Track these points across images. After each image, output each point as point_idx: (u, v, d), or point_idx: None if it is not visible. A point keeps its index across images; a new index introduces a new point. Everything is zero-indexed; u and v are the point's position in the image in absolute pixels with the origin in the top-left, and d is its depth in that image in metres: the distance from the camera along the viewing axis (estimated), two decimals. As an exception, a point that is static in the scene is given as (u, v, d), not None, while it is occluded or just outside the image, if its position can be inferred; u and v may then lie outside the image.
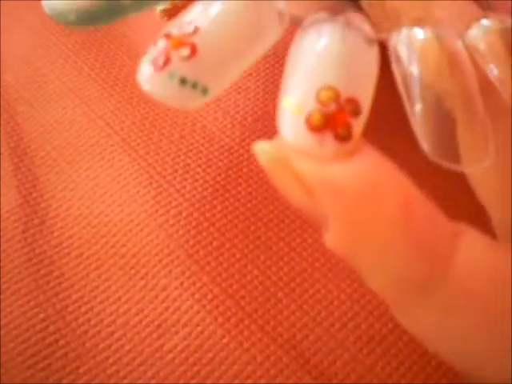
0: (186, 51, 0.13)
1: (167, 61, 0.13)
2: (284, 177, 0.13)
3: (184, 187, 0.24)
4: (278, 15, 0.14)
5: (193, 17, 0.13)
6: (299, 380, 0.20)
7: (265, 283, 0.22)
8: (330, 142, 0.13)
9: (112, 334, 0.21)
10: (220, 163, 0.25)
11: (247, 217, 0.24)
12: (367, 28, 0.14)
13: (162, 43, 0.13)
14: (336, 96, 0.12)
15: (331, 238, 0.13)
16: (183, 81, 0.13)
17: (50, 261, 0.22)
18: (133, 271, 0.22)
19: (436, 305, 0.13)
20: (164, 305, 0.21)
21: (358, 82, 0.13)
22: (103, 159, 0.25)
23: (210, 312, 0.21)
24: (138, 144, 0.26)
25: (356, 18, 0.14)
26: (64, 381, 0.20)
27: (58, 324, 0.21)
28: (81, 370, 0.20)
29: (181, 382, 0.20)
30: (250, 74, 0.28)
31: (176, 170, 0.25)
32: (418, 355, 0.20)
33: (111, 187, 0.24)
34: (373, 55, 0.13)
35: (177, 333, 0.21)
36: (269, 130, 0.26)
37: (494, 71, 0.14)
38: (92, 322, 0.21)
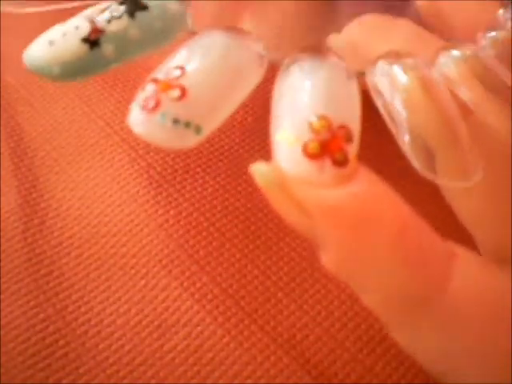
0: (176, 92, 0.13)
1: (158, 103, 0.13)
2: (281, 199, 0.14)
3: (184, 187, 0.24)
4: (258, 58, 0.14)
5: (177, 62, 0.14)
6: (299, 380, 0.20)
7: (265, 283, 0.22)
8: (328, 168, 0.13)
9: (112, 334, 0.21)
10: (220, 163, 0.25)
11: (247, 217, 0.24)
12: (344, 64, 0.14)
13: (150, 87, 0.13)
14: (328, 124, 0.13)
15: (328, 259, 0.14)
16: (176, 121, 0.13)
17: (50, 261, 0.22)
18: (133, 271, 0.22)
19: (431, 325, 0.13)
20: (164, 305, 0.21)
21: (345, 111, 0.13)
22: (103, 159, 0.25)
23: (210, 312, 0.21)
24: (138, 144, 0.26)
25: (333, 56, 0.14)
26: (64, 381, 0.20)
27: (58, 324, 0.21)
28: (81, 370, 0.20)
29: (181, 382, 0.20)
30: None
31: (176, 170, 0.25)
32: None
33: (111, 187, 0.24)
34: (354, 87, 0.14)
35: (177, 333, 0.21)
36: (269, 130, 0.26)
37: (466, 95, 0.14)
38: (92, 322, 0.21)
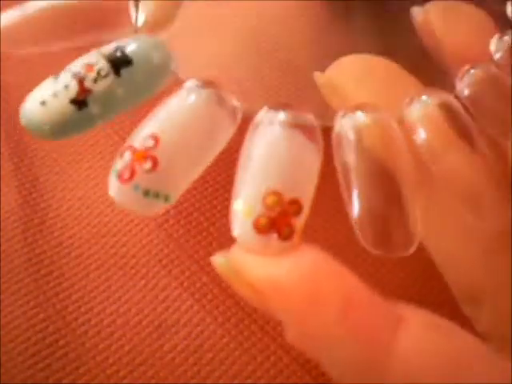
0: (148, 165, 0.14)
1: (132, 174, 0.14)
2: (239, 285, 0.15)
3: (184, 187, 0.24)
4: (231, 112, 0.15)
5: (152, 129, 0.15)
6: (299, 380, 0.20)
7: (265, 283, 0.22)
8: (274, 242, 0.14)
9: (112, 334, 0.21)
10: (220, 163, 0.25)
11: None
12: (311, 120, 0.15)
13: (127, 156, 0.14)
14: (280, 200, 0.14)
15: (288, 336, 0.14)
16: (146, 192, 0.14)
17: (50, 261, 0.22)
18: (133, 271, 0.22)
19: None
20: (164, 305, 0.21)
21: (299, 184, 0.14)
22: (103, 159, 0.25)
23: (210, 312, 0.21)
24: (138, 144, 0.26)
25: (300, 111, 0.15)
26: (64, 381, 0.20)
27: (58, 324, 0.21)
28: (81, 370, 0.20)
29: (181, 382, 0.20)
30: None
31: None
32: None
33: (111, 187, 0.24)
34: (316, 153, 0.15)
35: (177, 333, 0.21)
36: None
37: (427, 140, 0.15)
38: (92, 322, 0.21)
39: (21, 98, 0.28)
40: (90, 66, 0.15)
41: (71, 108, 0.15)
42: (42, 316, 0.21)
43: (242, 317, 0.21)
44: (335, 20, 0.24)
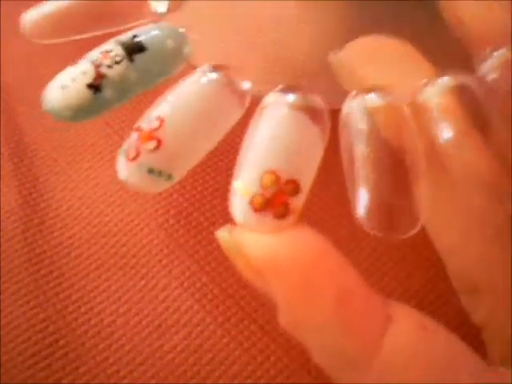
0: (152, 144, 0.15)
1: (137, 154, 0.15)
2: (240, 262, 0.15)
3: (184, 187, 0.24)
4: (240, 95, 0.16)
5: (159, 112, 0.15)
6: (299, 380, 0.20)
7: (265, 283, 0.22)
8: (269, 220, 0.14)
9: (112, 333, 0.21)
10: (220, 163, 0.25)
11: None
12: (319, 104, 0.15)
13: (133, 136, 0.15)
14: (276, 180, 0.14)
15: (281, 318, 0.15)
16: (150, 170, 0.15)
17: (50, 261, 0.22)
18: (133, 271, 0.22)
19: (367, 381, 0.14)
20: (164, 305, 0.21)
21: (298, 165, 0.15)
22: (103, 159, 0.25)
23: (210, 312, 0.21)
24: (138, 144, 0.26)
25: (309, 94, 0.15)
26: (64, 381, 0.20)
27: (58, 324, 0.21)
28: (81, 370, 0.20)
29: (181, 382, 0.20)
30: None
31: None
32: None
33: (111, 187, 0.24)
34: (319, 136, 0.15)
35: (177, 333, 0.21)
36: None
37: (441, 128, 0.15)
38: (92, 322, 0.21)
39: (21, 98, 0.28)
40: (106, 53, 0.16)
41: (88, 92, 0.16)
42: (41, 316, 0.21)
43: (241, 317, 0.21)
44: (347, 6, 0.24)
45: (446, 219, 0.16)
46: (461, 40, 0.17)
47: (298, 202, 0.14)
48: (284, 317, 0.15)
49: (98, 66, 0.16)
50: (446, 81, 0.15)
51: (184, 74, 0.16)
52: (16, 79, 0.28)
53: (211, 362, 0.20)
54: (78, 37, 0.19)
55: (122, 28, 0.17)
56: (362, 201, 0.14)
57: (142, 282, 0.22)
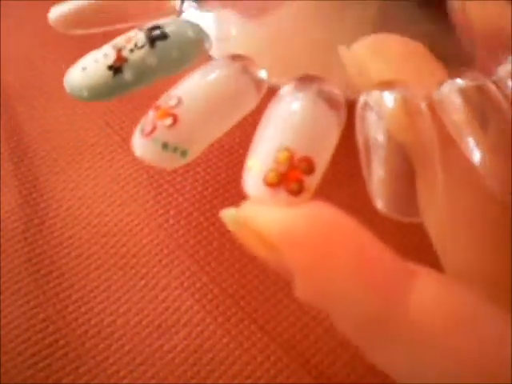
0: (168, 120, 0.15)
1: (153, 129, 0.15)
2: (250, 238, 0.15)
3: (184, 187, 0.24)
4: (256, 84, 0.16)
5: (177, 92, 0.16)
6: (299, 380, 0.20)
7: (265, 283, 0.22)
8: (283, 196, 0.14)
9: (112, 334, 0.21)
10: (220, 163, 0.25)
11: (247, 217, 0.24)
12: (336, 93, 0.15)
13: (151, 113, 0.16)
14: (291, 156, 0.14)
15: (298, 290, 0.14)
16: (165, 145, 0.15)
17: (50, 261, 0.22)
18: (133, 271, 0.22)
19: (398, 345, 0.14)
20: (164, 305, 0.21)
21: (313, 143, 0.15)
22: (103, 159, 0.25)
23: (210, 312, 0.21)
24: (138, 144, 0.26)
25: (327, 84, 0.16)
26: (64, 381, 0.20)
27: (58, 324, 0.21)
28: (81, 370, 0.20)
29: (181, 382, 0.20)
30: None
31: (176, 170, 0.25)
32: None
33: (111, 187, 0.24)
34: (335, 120, 0.15)
35: (177, 333, 0.21)
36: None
37: (458, 129, 0.15)
38: (92, 322, 0.21)
39: (21, 98, 0.28)
40: (129, 39, 0.17)
41: (108, 73, 0.16)
42: (41, 316, 0.21)
43: (242, 317, 0.21)
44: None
45: (445, 210, 0.16)
46: (471, 42, 0.17)
47: (311, 181, 0.14)
48: (303, 289, 0.14)
49: (120, 50, 0.16)
50: (462, 81, 0.15)
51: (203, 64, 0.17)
52: (16, 79, 0.28)
53: (211, 362, 0.20)
54: (102, 30, 0.20)
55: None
56: (376, 184, 0.14)
57: (142, 282, 0.22)
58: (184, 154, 0.15)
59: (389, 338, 0.14)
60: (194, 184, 0.25)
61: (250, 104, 0.16)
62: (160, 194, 0.24)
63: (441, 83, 0.15)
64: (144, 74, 0.16)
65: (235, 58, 0.16)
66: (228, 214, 0.15)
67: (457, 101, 0.15)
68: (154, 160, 0.15)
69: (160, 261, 0.22)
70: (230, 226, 0.15)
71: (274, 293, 0.22)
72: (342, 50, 0.17)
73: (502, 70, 0.15)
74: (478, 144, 0.15)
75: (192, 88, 0.16)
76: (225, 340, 0.21)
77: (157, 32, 0.17)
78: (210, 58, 0.17)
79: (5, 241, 0.23)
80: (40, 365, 0.20)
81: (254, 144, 0.15)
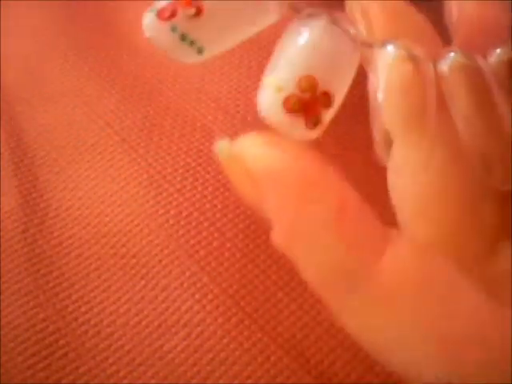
0: (192, 11, 0.14)
1: (173, 15, 0.14)
2: (236, 172, 0.15)
3: (184, 187, 0.24)
4: (277, 4, 0.15)
5: None
6: (299, 380, 0.20)
7: (265, 283, 0.22)
8: (300, 125, 0.14)
9: (112, 334, 0.21)
10: (220, 163, 0.25)
11: (248, 216, 0.24)
12: (354, 31, 0.15)
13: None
14: (314, 87, 0.14)
15: (274, 233, 0.14)
16: (183, 37, 0.14)
17: (49, 261, 0.22)
18: (133, 271, 0.22)
19: (366, 306, 0.14)
20: (164, 305, 0.21)
21: (335, 78, 0.15)
22: (103, 159, 0.25)
23: (210, 312, 0.21)
24: (138, 144, 0.26)
25: (347, 20, 0.15)
26: (64, 381, 0.20)
27: (58, 324, 0.21)
28: (81, 370, 0.20)
29: (181, 382, 0.20)
30: (249, 78, 0.28)
31: (176, 170, 0.25)
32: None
33: (111, 187, 0.24)
34: (355, 57, 0.15)
35: (177, 333, 0.21)
36: (269, 129, 0.26)
37: (454, 103, 0.15)
38: (92, 322, 0.21)
39: (21, 98, 0.28)
40: None
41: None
42: (41, 316, 0.21)
43: (242, 317, 0.21)
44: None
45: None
46: (464, 37, 0.17)
47: (327, 116, 0.14)
48: (279, 232, 0.14)
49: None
50: (455, 57, 0.15)
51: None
52: (16, 79, 0.28)
53: (211, 362, 0.20)
54: None
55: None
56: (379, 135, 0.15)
57: (142, 283, 0.22)
58: (200, 50, 0.15)
59: (357, 299, 0.14)
60: (194, 183, 0.25)
61: (270, 18, 0.15)
62: (160, 193, 0.24)
63: (447, 53, 0.15)
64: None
65: None
66: (221, 145, 0.15)
67: (454, 75, 0.15)
68: (167, 48, 0.15)
69: (160, 261, 0.22)
70: (221, 157, 0.15)
71: (274, 293, 0.22)
72: (350, 2, 0.17)
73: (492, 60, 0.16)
74: (466, 116, 0.15)
75: None
76: (225, 340, 0.21)
77: None
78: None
79: (5, 241, 0.23)
80: (40, 365, 0.20)
81: (273, 63, 0.15)
